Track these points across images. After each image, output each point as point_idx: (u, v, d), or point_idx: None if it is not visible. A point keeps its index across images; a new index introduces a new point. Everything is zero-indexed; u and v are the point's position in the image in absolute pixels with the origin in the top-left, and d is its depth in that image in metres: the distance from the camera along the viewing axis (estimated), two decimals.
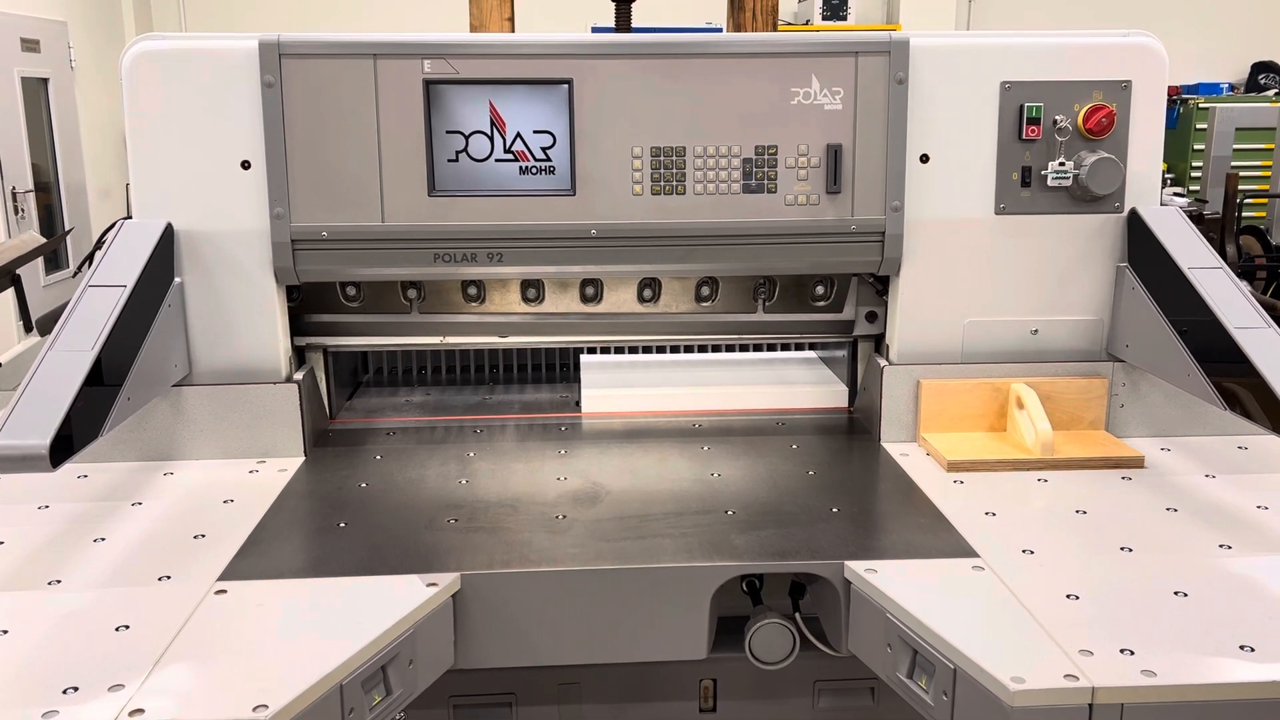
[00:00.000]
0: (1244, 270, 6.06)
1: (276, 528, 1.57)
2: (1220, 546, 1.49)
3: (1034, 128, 1.86)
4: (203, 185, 1.79)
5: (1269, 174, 6.85)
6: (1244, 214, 6.53)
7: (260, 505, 1.63)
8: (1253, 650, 1.21)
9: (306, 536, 1.56)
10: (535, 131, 1.84)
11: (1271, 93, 8.48)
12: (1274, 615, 1.29)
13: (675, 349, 2.37)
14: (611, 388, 2.14)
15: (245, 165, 1.79)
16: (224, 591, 1.37)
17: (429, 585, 1.37)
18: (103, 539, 1.53)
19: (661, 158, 1.84)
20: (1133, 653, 1.20)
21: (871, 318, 2.06)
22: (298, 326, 1.99)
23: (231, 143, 1.79)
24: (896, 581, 1.38)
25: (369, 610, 1.32)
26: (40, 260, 5.89)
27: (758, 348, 2.40)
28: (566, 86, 1.81)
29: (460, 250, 1.84)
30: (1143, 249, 1.86)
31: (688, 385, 2.16)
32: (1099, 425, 1.92)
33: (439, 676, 1.40)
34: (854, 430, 2.03)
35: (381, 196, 1.81)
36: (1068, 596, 1.34)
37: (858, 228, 1.87)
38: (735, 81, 1.82)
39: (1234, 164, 6.95)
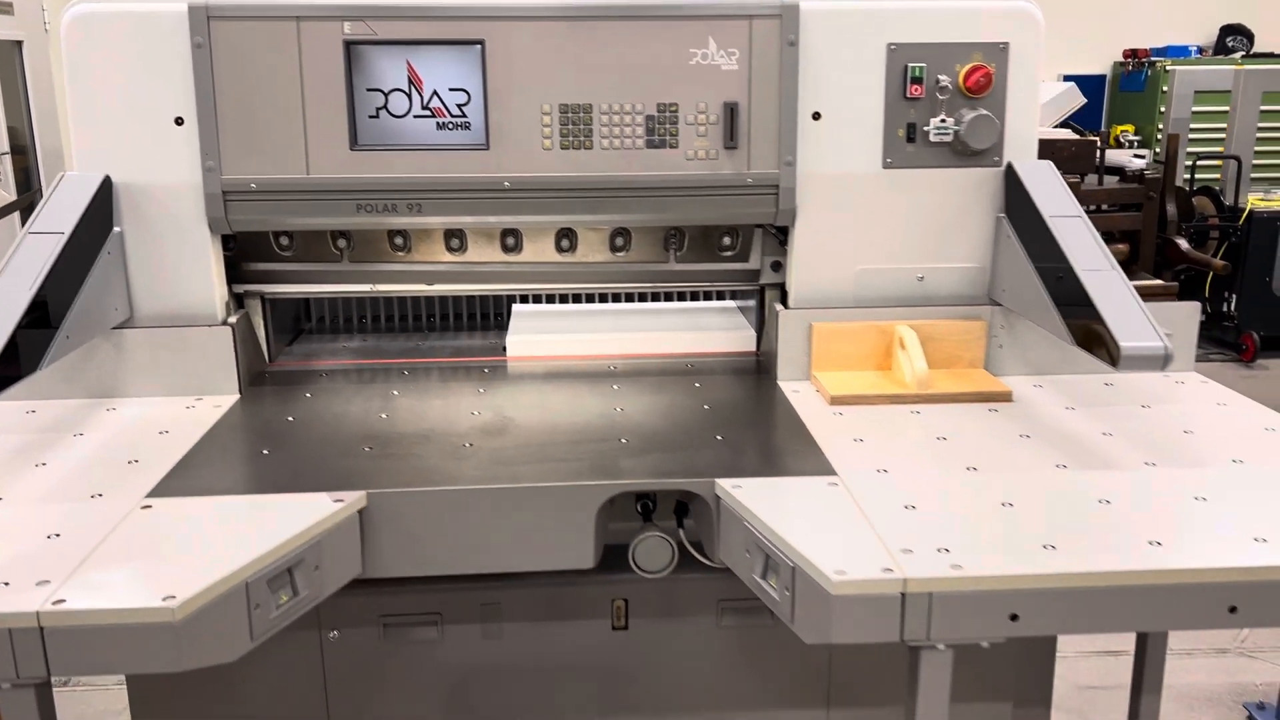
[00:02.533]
0: (1196, 230, 6.21)
1: (205, 455, 1.71)
2: (1057, 466, 1.65)
3: (917, 87, 1.99)
4: (139, 140, 1.92)
5: (1224, 136, 6.98)
6: (1200, 175, 6.67)
7: (193, 436, 1.78)
8: (1054, 549, 1.37)
9: (231, 462, 1.71)
10: (451, 89, 1.97)
11: (1237, 55, 8.59)
12: (1082, 518, 1.45)
13: (601, 299, 2.51)
14: (536, 334, 2.29)
15: (179, 121, 1.92)
16: (149, 507, 1.52)
17: (336, 501, 1.53)
18: (43, 464, 1.68)
19: (569, 114, 1.97)
20: (949, 551, 1.36)
21: (776, 267, 2.20)
22: (236, 274, 2.13)
23: (165, 100, 1.91)
24: (758, 497, 1.54)
25: (280, 522, 1.47)
26: (16, 216, 5.99)
27: (681, 297, 2.54)
28: (479, 47, 1.94)
29: (381, 201, 1.98)
30: (1017, 200, 2.00)
31: (607, 331, 2.30)
32: (978, 364, 2.07)
33: (347, 582, 1.55)
34: (759, 371, 2.18)
35: (306, 151, 1.94)
36: (906, 507, 1.50)
37: (754, 181, 2.01)
38: (638, 43, 1.95)
39: (1192, 126, 7.08)
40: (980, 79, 1.98)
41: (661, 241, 2.23)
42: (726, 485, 1.57)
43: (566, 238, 2.21)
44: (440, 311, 2.51)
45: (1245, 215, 6.25)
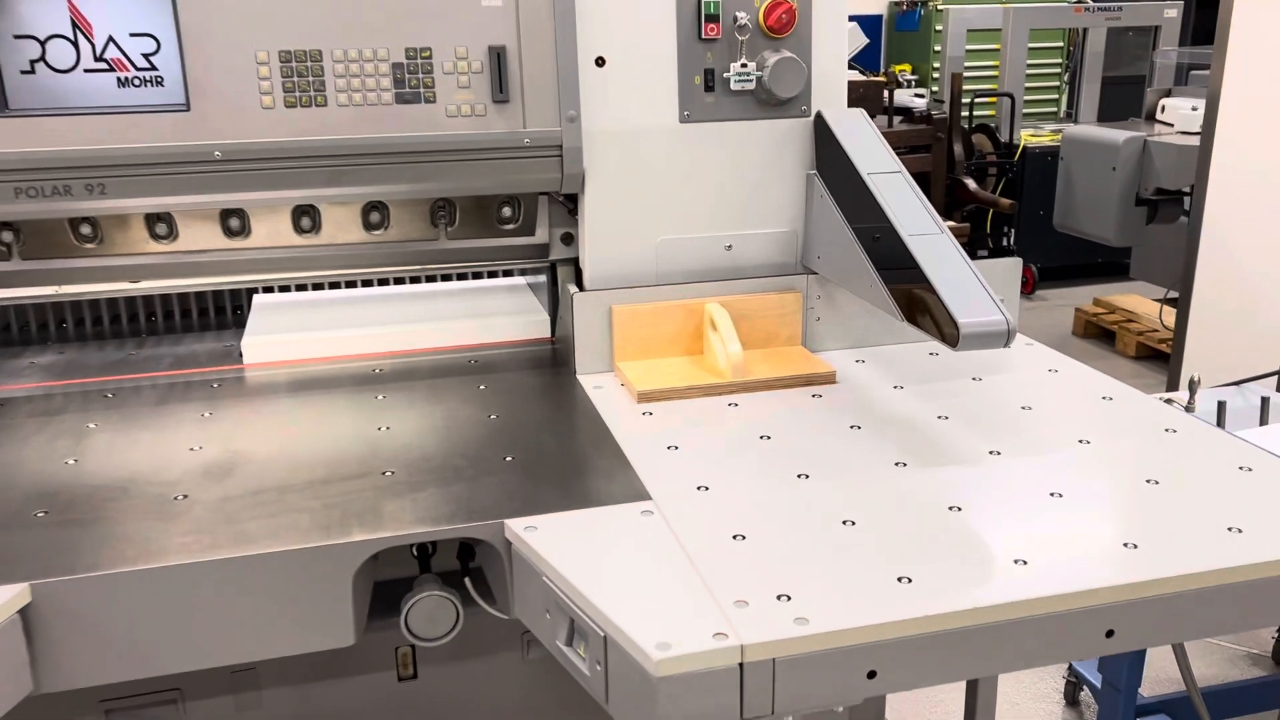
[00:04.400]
0: (976, 168, 6.35)
1: None
2: (896, 465, 1.43)
3: (713, 26, 1.71)
4: None
5: (997, 74, 7.19)
6: (976, 113, 6.83)
7: None
8: (910, 581, 1.14)
9: None
10: (133, 35, 1.53)
11: None
12: (934, 535, 1.24)
13: (354, 285, 2.12)
14: (279, 332, 1.89)
15: None
16: None
17: None
18: None
19: (294, 64, 1.57)
20: (789, 599, 1.11)
21: (568, 239, 1.89)
22: None
23: None
24: (556, 539, 1.24)
25: None
26: None
27: (462, 277, 2.19)
28: None
29: (49, 182, 1.52)
30: (828, 154, 1.77)
31: (369, 324, 1.93)
32: (796, 341, 1.85)
33: (14, 706, 1.15)
34: (555, 363, 1.88)
35: None
36: (734, 537, 1.24)
37: (531, 141, 1.68)
38: None
39: (966, 64, 7.25)
40: (783, 16, 1.72)
41: (428, 215, 1.87)
42: (518, 528, 1.27)
43: (307, 215, 1.81)
44: (161, 310, 2.05)
45: (1020, 151, 6.44)
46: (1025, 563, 1.18)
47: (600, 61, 1.70)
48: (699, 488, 1.37)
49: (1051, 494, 1.34)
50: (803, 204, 1.84)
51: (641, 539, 1.25)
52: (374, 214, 1.84)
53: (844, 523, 1.28)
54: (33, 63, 1.50)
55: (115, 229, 1.73)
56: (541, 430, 1.59)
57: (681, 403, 1.66)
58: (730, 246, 1.83)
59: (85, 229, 1.72)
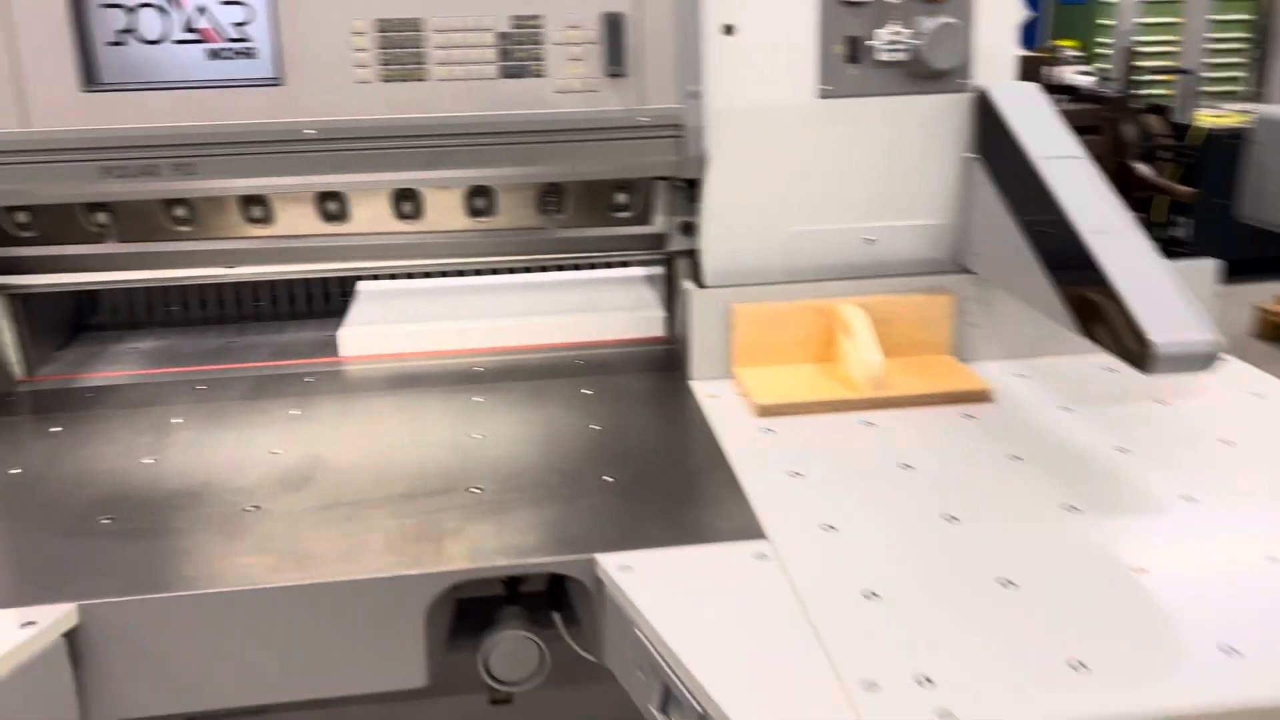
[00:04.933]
0: (1145, 151, 5.82)
1: None
2: (1065, 509, 1.20)
3: None
4: None
5: (1178, 49, 6.58)
6: (1148, 91, 6.27)
7: None
8: (1086, 669, 0.92)
9: None
10: (224, 2, 1.42)
11: None
12: (1117, 605, 1.01)
13: (459, 274, 1.99)
14: (378, 324, 1.77)
15: None
16: None
17: (25, 625, 1.02)
18: None
19: (392, 33, 1.44)
20: (931, 682, 0.91)
21: (687, 230, 1.70)
22: None
23: None
24: (654, 584, 1.07)
25: None
26: None
27: (576, 268, 2.03)
28: None
29: (137, 161, 1.43)
30: (992, 135, 1.52)
31: (471, 318, 1.79)
32: (945, 350, 1.62)
33: None
34: (668, 366, 1.70)
35: (23, 92, 1.39)
36: (865, 596, 1.04)
37: (649, 120, 1.50)
38: None
39: (1140, 39, 6.66)
40: None
41: (535, 201, 1.71)
42: (611, 566, 1.10)
43: (409, 200, 1.68)
44: (268, 295, 1.97)
45: (1204, 135, 5.87)
46: (1237, 652, 0.93)
47: (728, 29, 1.50)
48: (824, 527, 1.17)
49: (1270, 558, 1.08)
50: (958, 193, 1.60)
51: (754, 590, 1.06)
52: (479, 199, 1.70)
53: (1001, 583, 1.05)
54: (122, 33, 1.41)
55: (210, 212, 1.65)
56: (646, 446, 1.41)
57: (808, 419, 1.46)
58: (872, 240, 1.61)
59: (179, 211, 1.63)
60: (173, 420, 1.50)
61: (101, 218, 1.61)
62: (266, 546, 1.16)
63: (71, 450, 1.42)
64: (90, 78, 1.40)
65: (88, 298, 1.90)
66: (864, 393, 1.48)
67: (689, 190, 1.66)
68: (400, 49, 1.44)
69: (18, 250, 1.62)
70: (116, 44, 1.41)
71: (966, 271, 1.62)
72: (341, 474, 1.32)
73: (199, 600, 1.07)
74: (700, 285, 1.61)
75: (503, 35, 1.45)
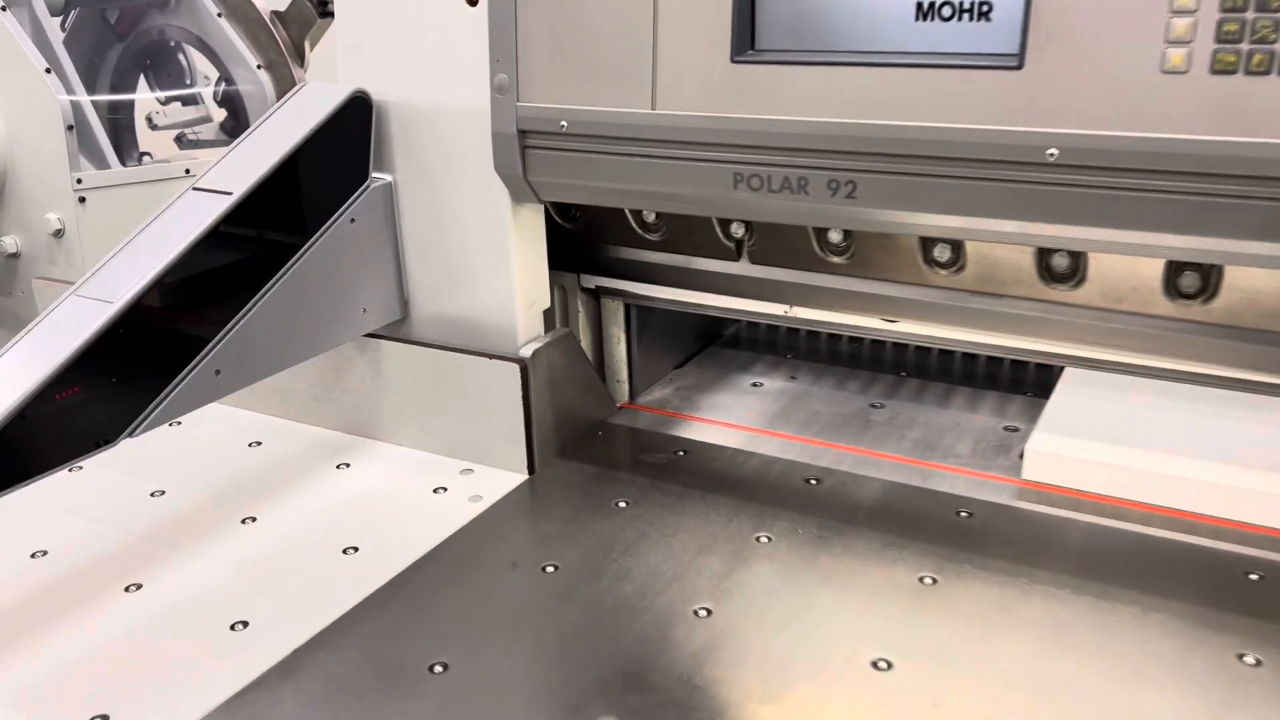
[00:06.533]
0: None
1: (335, 640, 0.92)
2: None
3: None
4: (411, 31, 1.14)
5: None
6: None
7: (381, 570, 1.01)
8: None
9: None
10: None
11: None
12: None
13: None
14: (1090, 439, 1.12)
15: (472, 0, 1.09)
16: None
17: None
18: (137, 585, 1.03)
19: None
20: None
21: None
22: (588, 259, 1.31)
23: None
24: None
25: None
26: None
27: None
28: None
29: (779, 169, 0.97)
30: None
31: (1225, 460, 1.05)
32: None
33: None
34: None
35: (654, 65, 1.00)
36: None
37: None
38: None
39: None
40: None
41: None
42: None
43: (1192, 270, 1.00)
44: (935, 360, 1.43)
45: None
46: None
47: None
48: None
49: None
50: None
51: None
52: None
53: None
54: None
55: (873, 241, 1.14)
56: None
57: None
58: None
59: (834, 236, 1.15)
60: (759, 537, 1.05)
61: (736, 229, 1.20)
62: None
63: (616, 559, 1.02)
64: (747, 42, 0.97)
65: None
66: None
67: None
68: (1249, 14, 0.76)
69: (643, 254, 1.29)
70: None
71: None
72: None
73: None
74: None
75: None
